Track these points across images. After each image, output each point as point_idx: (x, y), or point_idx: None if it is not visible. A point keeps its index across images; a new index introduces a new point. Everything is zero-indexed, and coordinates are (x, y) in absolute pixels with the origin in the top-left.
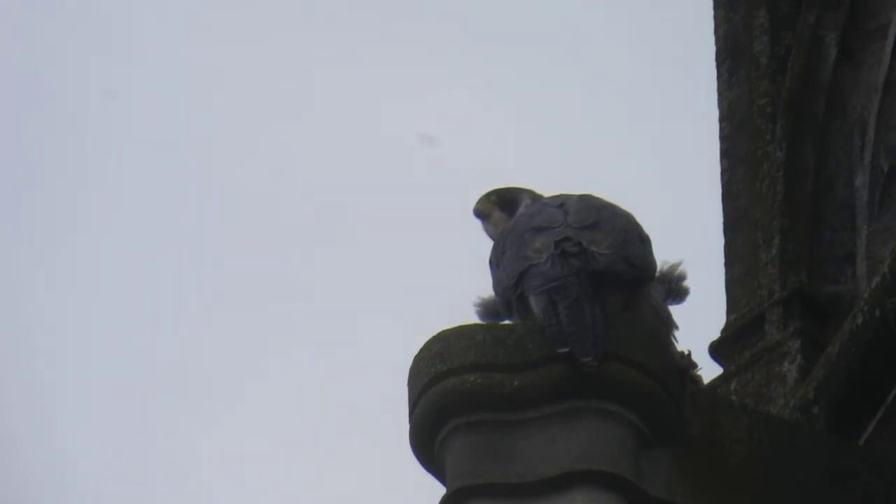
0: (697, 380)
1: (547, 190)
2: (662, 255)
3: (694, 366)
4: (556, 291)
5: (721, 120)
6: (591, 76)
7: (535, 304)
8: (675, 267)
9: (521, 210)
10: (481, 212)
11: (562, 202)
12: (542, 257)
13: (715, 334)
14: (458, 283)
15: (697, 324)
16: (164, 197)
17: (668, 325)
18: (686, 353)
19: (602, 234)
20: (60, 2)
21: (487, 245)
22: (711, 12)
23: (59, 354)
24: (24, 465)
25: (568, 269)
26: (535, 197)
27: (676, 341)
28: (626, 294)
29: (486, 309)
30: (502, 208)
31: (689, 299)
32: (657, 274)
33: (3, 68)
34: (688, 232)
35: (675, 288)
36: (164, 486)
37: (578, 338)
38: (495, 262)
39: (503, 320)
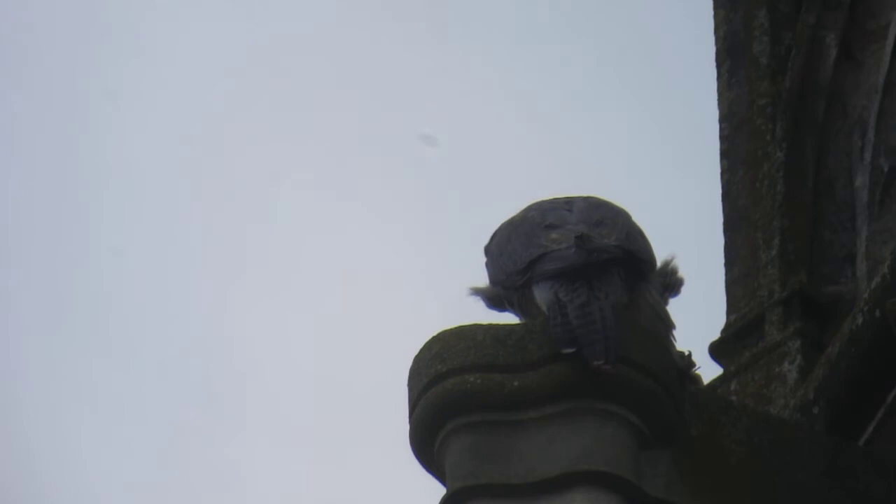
0: (697, 380)
1: (545, 191)
2: (660, 255)
3: (694, 366)
4: (564, 287)
5: (721, 120)
6: (591, 76)
7: (540, 298)
8: (666, 262)
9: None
10: None
11: (567, 204)
12: (562, 245)
13: (715, 335)
14: (457, 283)
15: (697, 324)
16: (171, 202)
17: (667, 324)
18: (686, 353)
19: (608, 229)
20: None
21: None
22: (711, 12)
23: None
24: (40, 474)
25: (587, 257)
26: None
27: (675, 341)
28: (629, 292)
29: (488, 296)
30: None
31: (690, 300)
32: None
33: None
34: (688, 232)
35: (670, 281)
36: (168, 487)
37: (590, 340)
38: (497, 251)
39: (506, 309)
